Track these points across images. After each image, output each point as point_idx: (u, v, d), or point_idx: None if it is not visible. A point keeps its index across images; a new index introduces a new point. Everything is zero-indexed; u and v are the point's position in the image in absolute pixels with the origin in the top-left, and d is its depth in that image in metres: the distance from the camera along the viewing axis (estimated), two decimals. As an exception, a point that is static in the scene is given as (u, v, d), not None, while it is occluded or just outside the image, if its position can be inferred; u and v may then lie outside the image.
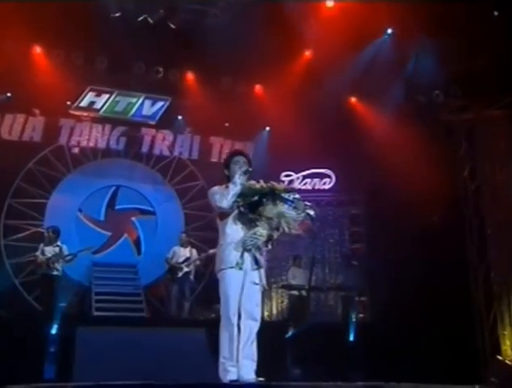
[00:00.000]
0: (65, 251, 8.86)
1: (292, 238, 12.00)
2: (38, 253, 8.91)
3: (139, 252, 11.76)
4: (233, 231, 4.49)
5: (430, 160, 8.79)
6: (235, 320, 4.30)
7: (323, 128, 11.21)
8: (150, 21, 10.36)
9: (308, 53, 11.45)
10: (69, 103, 11.38)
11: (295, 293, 10.33)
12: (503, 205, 9.08)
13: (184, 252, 10.03)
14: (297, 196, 4.37)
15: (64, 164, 11.56)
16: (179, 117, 12.08)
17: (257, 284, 4.45)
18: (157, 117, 11.78)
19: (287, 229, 4.36)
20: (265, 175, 12.49)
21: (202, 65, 11.28)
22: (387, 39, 10.83)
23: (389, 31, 10.84)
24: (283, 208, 4.31)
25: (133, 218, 11.87)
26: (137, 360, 6.76)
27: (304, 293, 10.20)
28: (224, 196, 4.49)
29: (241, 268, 4.35)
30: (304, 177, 12.25)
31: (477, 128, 9.42)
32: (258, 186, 4.48)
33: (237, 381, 4.14)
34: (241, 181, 4.55)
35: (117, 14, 10.25)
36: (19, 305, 10.29)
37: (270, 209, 4.32)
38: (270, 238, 4.46)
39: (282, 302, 11.62)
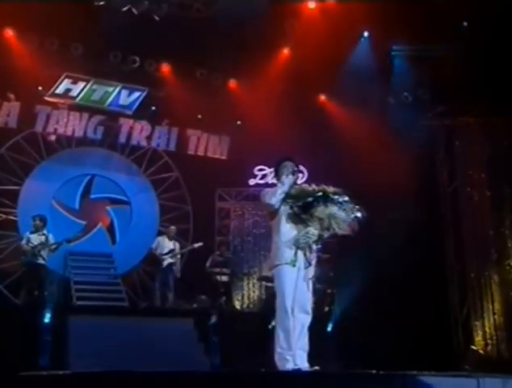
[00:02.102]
0: (51, 240, 8.80)
1: (265, 231, 12.36)
2: (23, 241, 8.83)
3: (113, 242, 11.74)
4: (287, 230, 4.79)
5: (408, 161, 9.26)
6: (290, 313, 4.58)
7: (297, 124, 11.48)
8: (135, 12, 10.40)
9: (286, 51, 11.73)
10: (40, 88, 11.19)
11: (269, 284, 10.62)
12: (478, 206, 9.75)
13: (169, 244, 10.15)
14: (346, 198, 4.66)
15: (37, 151, 11.37)
16: (153, 108, 12.09)
17: (309, 280, 4.75)
18: (134, 107, 11.75)
19: (337, 230, 4.66)
20: (239, 168, 12.77)
21: (178, 56, 11.38)
22: (364, 41, 11.27)
23: (366, 34, 11.29)
24: (333, 209, 4.60)
25: (108, 208, 11.83)
26: (132, 348, 6.87)
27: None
28: (273, 194, 4.82)
29: (294, 265, 4.63)
30: (277, 171, 12.49)
31: (456, 133, 10.01)
32: (310, 188, 4.76)
33: (299, 369, 4.45)
34: (288, 180, 4.86)
35: (101, 3, 10.23)
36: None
37: (321, 211, 4.61)
38: (320, 238, 4.75)
39: (254, 292, 11.93)
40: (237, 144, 12.34)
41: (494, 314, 9.36)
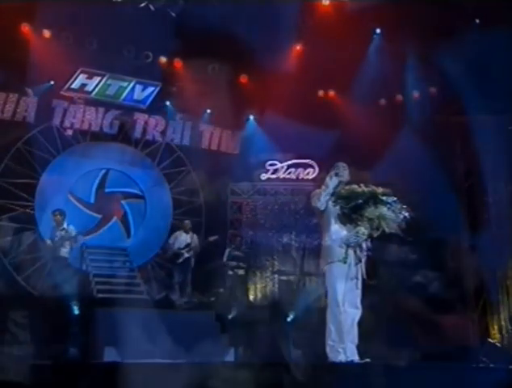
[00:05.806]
0: (72, 233, 8.94)
1: (277, 225, 12.53)
2: (47, 236, 8.96)
3: (128, 235, 11.86)
4: (337, 229, 5.02)
5: (423, 157, 9.43)
6: (342, 308, 4.78)
7: (309, 119, 11.59)
8: (152, 8, 10.50)
9: (298, 47, 11.86)
10: (52, 82, 11.30)
11: (283, 278, 10.83)
12: (494, 202, 9.95)
13: (186, 238, 10.28)
14: (394, 198, 4.85)
15: (53, 145, 11.43)
16: (167, 103, 12.22)
17: (358, 277, 4.95)
18: (148, 102, 11.91)
19: (387, 229, 4.86)
20: (251, 163, 12.88)
21: (190, 51, 11.47)
22: (376, 38, 11.40)
23: (378, 30, 11.42)
24: (383, 210, 4.79)
25: (123, 201, 11.94)
26: (159, 339, 7.01)
27: (291, 278, 10.70)
28: (318, 198, 5.04)
29: (345, 262, 4.83)
30: (289, 166, 12.69)
31: (472, 130, 10.18)
32: (359, 190, 4.95)
33: (352, 361, 4.65)
34: (332, 183, 5.09)
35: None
36: (9, 285, 10.30)
37: (371, 211, 4.82)
38: (370, 237, 4.96)
39: (266, 286, 12.09)
40: (249, 139, 12.51)
41: (510, 307, 9.61)
